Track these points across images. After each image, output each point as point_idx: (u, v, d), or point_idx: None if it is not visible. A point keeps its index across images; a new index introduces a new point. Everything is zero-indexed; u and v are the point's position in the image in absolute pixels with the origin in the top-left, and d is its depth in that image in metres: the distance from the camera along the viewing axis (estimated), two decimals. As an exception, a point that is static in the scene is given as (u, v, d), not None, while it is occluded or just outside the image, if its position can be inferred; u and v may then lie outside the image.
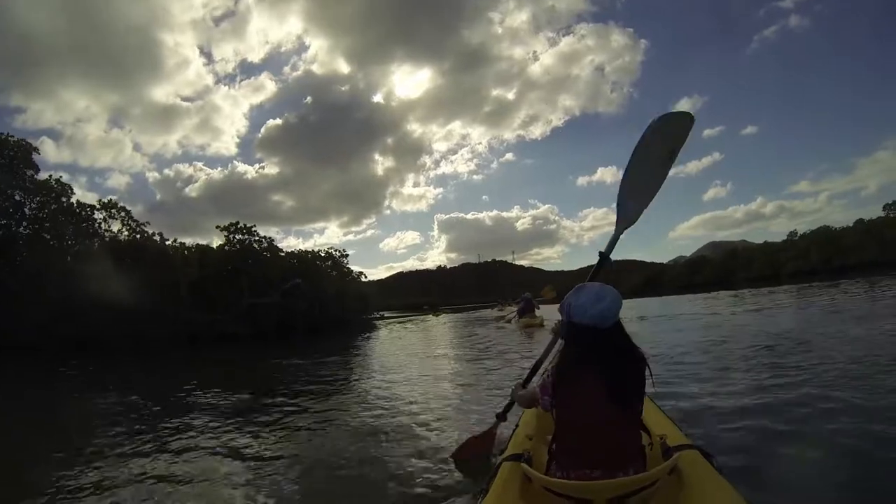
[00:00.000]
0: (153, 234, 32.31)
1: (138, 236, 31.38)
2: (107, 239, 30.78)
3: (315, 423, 6.68)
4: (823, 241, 69.01)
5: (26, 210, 29.04)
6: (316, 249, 45.00)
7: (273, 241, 37.56)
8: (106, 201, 31.70)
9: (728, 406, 5.35)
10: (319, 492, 4.31)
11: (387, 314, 60.77)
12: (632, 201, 3.84)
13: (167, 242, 32.96)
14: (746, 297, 27.84)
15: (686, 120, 3.71)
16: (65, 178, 31.85)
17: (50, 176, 30.38)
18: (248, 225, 35.71)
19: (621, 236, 3.97)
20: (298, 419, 6.97)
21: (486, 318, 35.59)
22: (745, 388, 6.08)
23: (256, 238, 36.08)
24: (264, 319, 31.41)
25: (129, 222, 31.61)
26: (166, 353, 23.14)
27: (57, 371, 17.89)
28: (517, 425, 3.66)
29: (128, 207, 31.62)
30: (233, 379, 13.52)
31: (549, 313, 25.02)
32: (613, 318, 2.49)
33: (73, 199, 30.68)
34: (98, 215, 30.87)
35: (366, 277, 50.93)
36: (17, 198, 28.55)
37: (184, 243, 34.71)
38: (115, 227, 31.43)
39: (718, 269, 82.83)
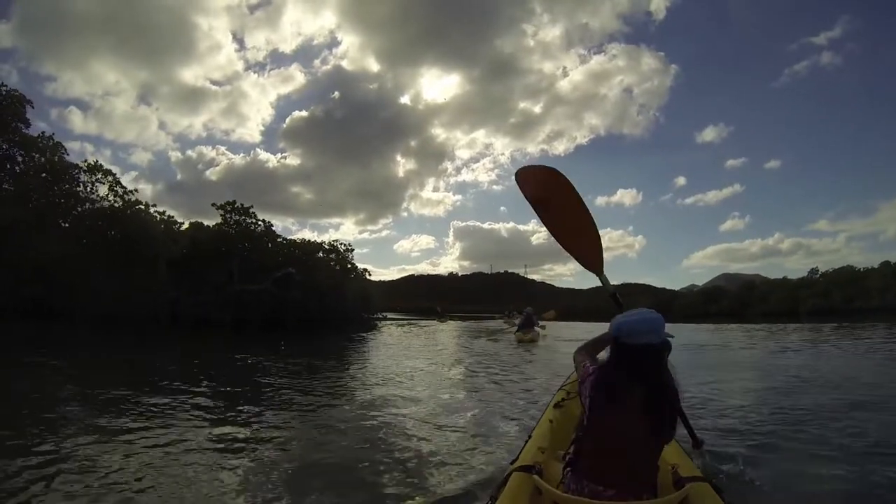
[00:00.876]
0: (140, 202, 30.13)
1: (125, 205, 29.26)
2: (87, 206, 28.59)
3: (301, 425, 6.48)
4: (846, 280, 66.49)
5: (10, 165, 27.06)
6: (320, 241, 43.20)
7: (272, 225, 35.52)
8: (92, 163, 29.49)
9: (747, 443, 5.29)
10: (314, 498, 4.00)
11: (391, 315, 58.66)
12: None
13: (158, 215, 30.98)
14: (774, 333, 27.13)
15: None
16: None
17: (42, 133, 28.45)
18: (246, 205, 33.81)
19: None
20: (279, 421, 6.65)
21: (491, 328, 34.74)
22: (767, 428, 5.96)
23: (253, 220, 34.19)
24: (252, 308, 29.39)
25: (117, 188, 29.35)
26: (136, 334, 21.50)
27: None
28: (529, 436, 3.59)
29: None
30: (178, 371, 11.85)
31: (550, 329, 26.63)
32: (658, 338, 2.48)
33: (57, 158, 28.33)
34: (84, 177, 28.62)
35: (370, 274, 48.75)
36: (3, 149, 26.66)
37: (172, 216, 32.61)
38: (102, 191, 29.18)
39: (734, 300, 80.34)
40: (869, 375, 10.37)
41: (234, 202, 33.51)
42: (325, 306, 33.20)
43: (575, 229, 3.57)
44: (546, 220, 3.61)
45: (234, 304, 29.28)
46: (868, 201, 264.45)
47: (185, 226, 33.87)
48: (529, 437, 3.60)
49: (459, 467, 4.49)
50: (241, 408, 7.28)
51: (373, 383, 9.92)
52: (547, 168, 3.61)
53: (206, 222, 35.66)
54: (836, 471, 4.40)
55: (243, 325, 27.47)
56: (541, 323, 25.48)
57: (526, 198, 3.62)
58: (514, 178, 3.71)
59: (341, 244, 44.01)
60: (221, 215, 33.50)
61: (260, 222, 34.59)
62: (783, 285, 78.49)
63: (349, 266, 44.09)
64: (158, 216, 30.96)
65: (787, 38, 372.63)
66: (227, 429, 6.07)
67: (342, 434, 5.86)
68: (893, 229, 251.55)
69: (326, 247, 41.96)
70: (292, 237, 38.20)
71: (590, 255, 3.58)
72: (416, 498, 3.94)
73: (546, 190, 3.55)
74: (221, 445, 5.35)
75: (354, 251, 44.03)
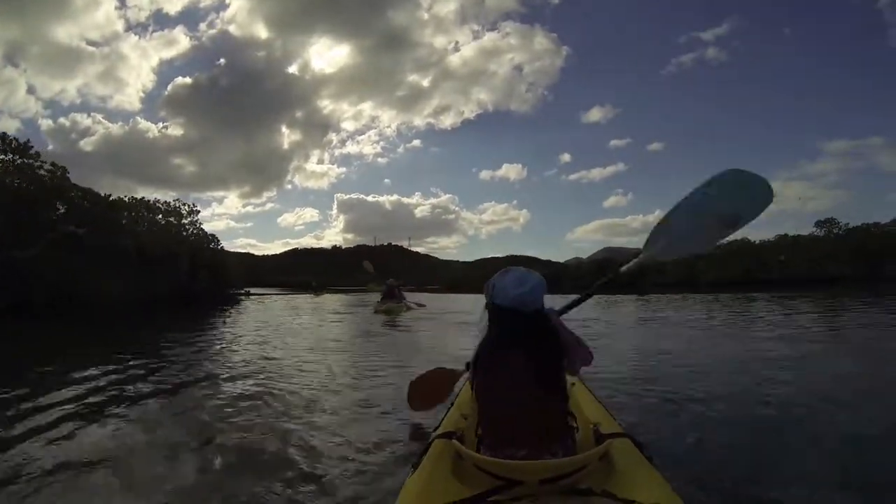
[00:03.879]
0: None
1: None
2: None
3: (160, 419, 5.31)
4: (744, 252, 65.92)
5: None
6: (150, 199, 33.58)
7: (68, 173, 25.90)
8: None
9: (662, 399, 5.60)
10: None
11: (257, 291, 50.35)
12: (667, 243, 3.53)
13: None
14: (662, 303, 26.86)
15: (766, 192, 3.38)
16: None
17: None
18: (22, 141, 24.05)
19: (641, 265, 3.67)
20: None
21: (363, 300, 31.58)
22: (685, 387, 6.19)
23: (35, 161, 24.40)
24: (28, 284, 19.97)
25: None
26: None
27: None
28: (452, 404, 3.68)
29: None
30: None
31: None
32: (534, 304, 2.56)
33: None
34: None
35: (218, 243, 39.73)
36: None
37: None
38: None
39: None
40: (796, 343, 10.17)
41: (5, 135, 23.69)
42: (149, 281, 24.53)
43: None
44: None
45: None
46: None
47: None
48: (452, 404, 3.64)
49: (373, 445, 4.25)
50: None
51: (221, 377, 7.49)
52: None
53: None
54: (751, 427, 4.68)
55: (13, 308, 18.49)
56: (407, 300, 23.48)
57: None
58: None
59: (185, 205, 35.08)
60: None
61: (47, 166, 24.87)
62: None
63: (195, 233, 35.40)
64: None
65: (677, 31, 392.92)
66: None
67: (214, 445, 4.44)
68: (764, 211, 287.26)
69: (160, 206, 32.82)
70: (78, 184, 27.24)
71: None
72: None
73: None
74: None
75: (200, 214, 35.24)
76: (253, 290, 48.66)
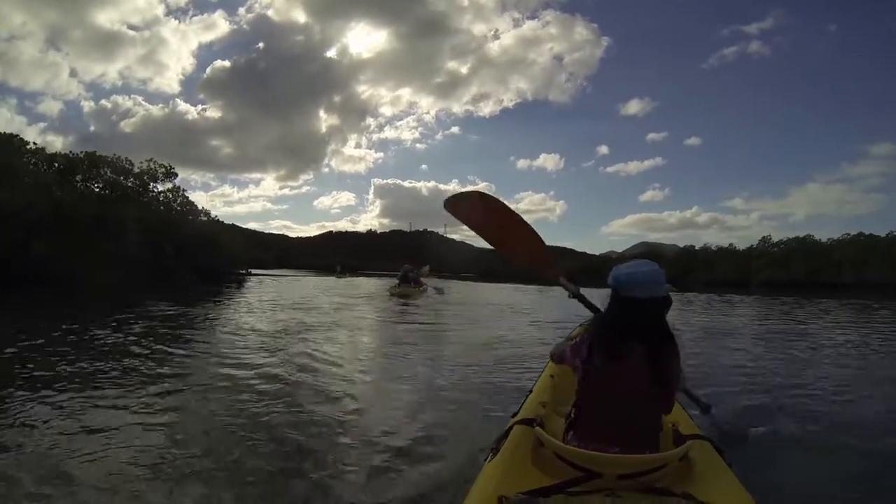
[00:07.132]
0: None
1: None
2: None
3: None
4: (808, 251, 59.74)
5: None
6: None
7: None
8: None
9: (746, 405, 5.30)
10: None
11: (278, 272, 47.62)
12: None
13: None
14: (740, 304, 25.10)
15: None
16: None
17: None
18: None
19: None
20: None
21: (386, 285, 28.41)
22: (767, 392, 5.99)
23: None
24: None
25: None
26: None
27: None
28: (531, 391, 3.55)
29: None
30: None
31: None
32: (659, 283, 2.31)
33: None
34: None
35: (210, 216, 34.90)
36: None
37: None
38: None
39: (673, 267, 71.57)
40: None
41: None
42: (74, 253, 19.69)
43: (520, 244, 3.81)
44: (490, 240, 3.93)
45: None
46: (780, 185, 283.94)
47: None
48: (530, 391, 3.51)
49: (448, 429, 4.29)
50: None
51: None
52: (476, 193, 3.99)
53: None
54: (840, 441, 4.34)
55: None
56: (424, 282, 24.04)
57: (463, 222, 3.99)
58: (443, 206, 4.00)
59: (161, 166, 30.13)
60: None
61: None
62: (731, 254, 70.90)
63: (175, 200, 30.56)
64: None
65: (720, 23, 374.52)
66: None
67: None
68: (802, 213, 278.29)
69: (124, 165, 27.69)
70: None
71: (539, 263, 3.84)
72: None
73: (480, 214, 3.87)
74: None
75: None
76: (275, 271, 45.42)
